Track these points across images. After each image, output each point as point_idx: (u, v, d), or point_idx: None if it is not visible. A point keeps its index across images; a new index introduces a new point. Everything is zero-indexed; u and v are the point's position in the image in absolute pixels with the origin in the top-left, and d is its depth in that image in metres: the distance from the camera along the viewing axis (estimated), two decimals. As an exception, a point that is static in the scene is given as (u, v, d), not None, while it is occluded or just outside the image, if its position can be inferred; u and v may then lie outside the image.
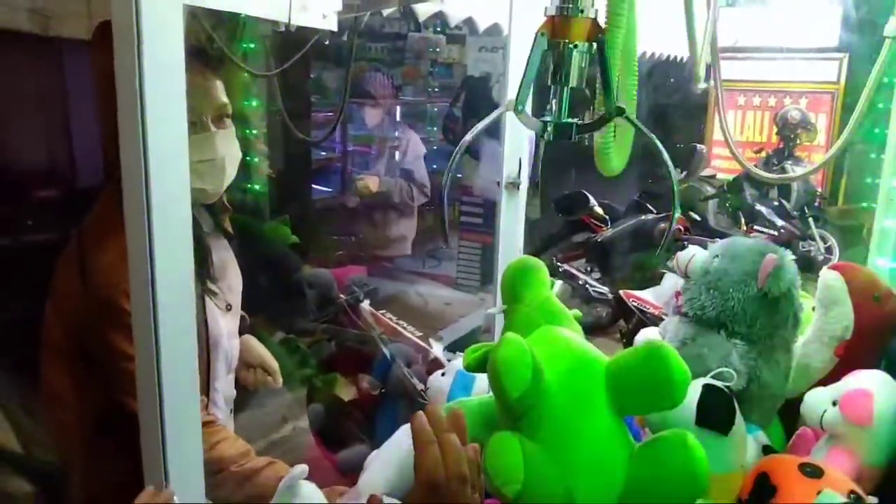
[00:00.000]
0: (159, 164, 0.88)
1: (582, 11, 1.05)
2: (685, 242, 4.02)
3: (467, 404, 1.19)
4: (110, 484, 1.29)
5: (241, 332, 1.71)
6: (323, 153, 6.28)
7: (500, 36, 4.43)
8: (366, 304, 2.87)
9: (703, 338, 1.23)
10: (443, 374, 1.66)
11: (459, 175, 5.88)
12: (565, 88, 1.08)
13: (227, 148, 1.45)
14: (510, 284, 1.23)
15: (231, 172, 1.48)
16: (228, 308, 1.60)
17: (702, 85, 1.89)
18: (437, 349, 2.77)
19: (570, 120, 1.10)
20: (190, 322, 0.95)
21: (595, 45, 1.06)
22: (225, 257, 1.62)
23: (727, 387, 1.12)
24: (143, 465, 0.96)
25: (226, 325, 1.58)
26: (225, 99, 1.44)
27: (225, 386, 1.62)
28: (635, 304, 2.90)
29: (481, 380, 1.54)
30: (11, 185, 3.96)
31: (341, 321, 2.76)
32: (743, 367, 1.19)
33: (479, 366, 1.18)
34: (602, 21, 1.09)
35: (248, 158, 1.58)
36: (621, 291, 3.06)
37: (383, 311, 2.94)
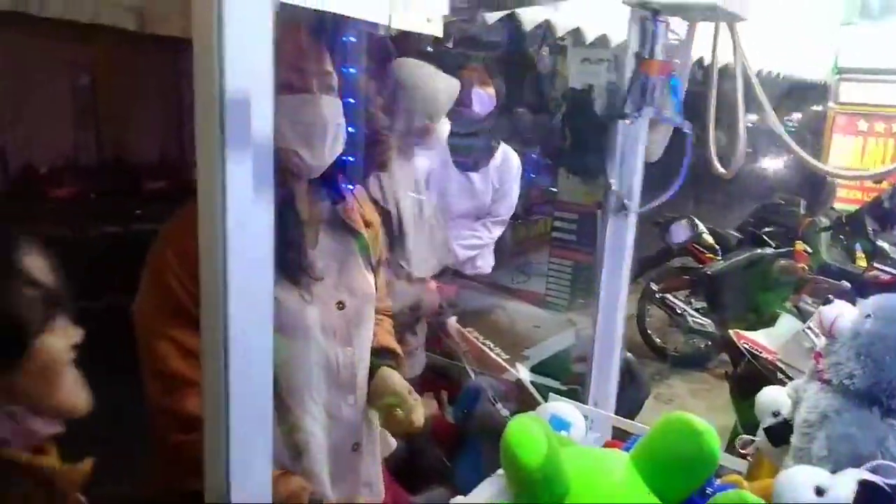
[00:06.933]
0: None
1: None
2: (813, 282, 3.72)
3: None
4: None
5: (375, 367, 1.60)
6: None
7: (607, 48, 4.22)
8: (453, 321, 2.76)
9: (852, 414, 1.03)
10: (532, 418, 1.52)
11: (554, 189, 5.70)
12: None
13: (333, 116, 1.36)
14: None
15: (336, 145, 1.39)
16: (340, 306, 1.48)
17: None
18: (522, 372, 2.64)
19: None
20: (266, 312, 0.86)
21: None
22: (345, 254, 1.52)
23: (888, 484, 0.92)
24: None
25: (328, 320, 1.46)
26: (331, 70, 1.35)
27: (331, 402, 1.49)
28: (746, 345, 2.66)
29: (576, 428, 1.38)
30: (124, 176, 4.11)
31: (426, 339, 2.66)
32: (902, 455, 0.99)
33: None
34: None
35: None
36: (732, 332, 2.82)
37: (469, 329, 2.82)
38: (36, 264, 0.91)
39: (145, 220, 3.87)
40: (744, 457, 1.41)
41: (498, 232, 3.22)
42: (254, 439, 0.87)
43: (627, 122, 1.31)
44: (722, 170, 1.34)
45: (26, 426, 0.91)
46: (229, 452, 0.84)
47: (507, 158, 3.16)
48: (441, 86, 2.36)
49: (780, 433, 1.23)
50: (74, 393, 0.95)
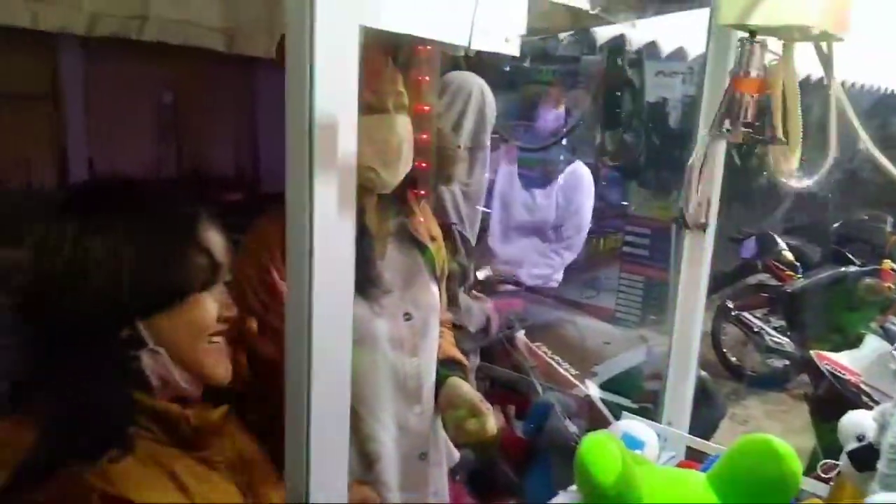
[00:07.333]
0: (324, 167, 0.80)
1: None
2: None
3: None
4: None
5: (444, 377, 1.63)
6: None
7: (682, 61, 4.17)
8: (521, 335, 2.76)
9: (945, 441, 1.00)
10: (605, 435, 1.50)
11: (625, 203, 5.64)
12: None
13: (405, 135, 1.42)
14: None
15: (406, 163, 1.45)
16: (407, 317, 1.53)
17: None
18: (592, 389, 2.61)
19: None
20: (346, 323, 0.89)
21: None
22: (412, 266, 1.57)
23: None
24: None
25: (396, 331, 1.50)
26: (404, 92, 1.42)
27: (398, 412, 1.52)
28: (828, 366, 2.57)
29: (650, 446, 1.37)
30: (201, 187, 4.28)
31: (494, 353, 2.66)
32: None
33: None
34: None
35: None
36: (813, 352, 2.72)
37: (538, 344, 2.81)
38: (212, 239, 1.02)
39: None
40: (825, 481, 1.37)
41: (570, 257, 3.17)
42: (333, 446, 0.90)
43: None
44: (780, 178, 1.30)
45: (167, 371, 0.98)
46: (310, 457, 0.87)
47: (574, 174, 3.12)
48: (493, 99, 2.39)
49: (865, 458, 1.19)
50: (215, 359, 1.03)
